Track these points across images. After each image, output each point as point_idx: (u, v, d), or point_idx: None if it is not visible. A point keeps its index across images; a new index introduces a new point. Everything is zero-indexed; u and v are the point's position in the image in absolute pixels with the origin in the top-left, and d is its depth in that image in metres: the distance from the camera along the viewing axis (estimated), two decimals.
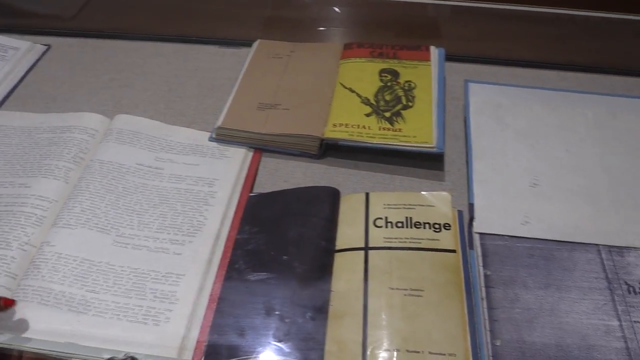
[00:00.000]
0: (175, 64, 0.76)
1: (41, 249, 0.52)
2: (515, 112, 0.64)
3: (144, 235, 0.54)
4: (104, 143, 0.63)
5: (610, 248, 0.54)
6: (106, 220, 0.55)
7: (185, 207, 0.57)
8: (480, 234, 0.55)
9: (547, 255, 0.54)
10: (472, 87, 0.66)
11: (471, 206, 0.57)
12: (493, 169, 0.60)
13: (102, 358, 0.43)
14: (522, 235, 0.55)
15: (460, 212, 0.57)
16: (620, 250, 0.54)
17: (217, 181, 0.60)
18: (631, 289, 0.51)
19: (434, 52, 0.70)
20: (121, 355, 0.42)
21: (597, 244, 0.54)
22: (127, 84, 0.73)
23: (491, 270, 0.52)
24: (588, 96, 0.67)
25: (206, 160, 0.62)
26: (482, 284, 0.51)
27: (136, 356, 0.42)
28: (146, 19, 0.85)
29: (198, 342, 0.47)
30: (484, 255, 0.53)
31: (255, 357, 0.44)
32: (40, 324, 0.47)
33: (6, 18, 0.84)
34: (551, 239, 0.55)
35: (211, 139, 0.64)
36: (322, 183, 0.61)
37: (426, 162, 0.62)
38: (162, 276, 0.51)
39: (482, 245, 0.54)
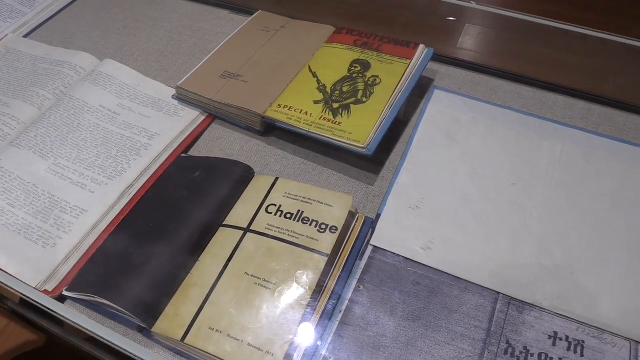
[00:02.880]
0: (184, 22, 0.81)
1: None
2: (471, 130, 0.59)
3: (74, 169, 0.61)
4: (82, 82, 0.70)
5: (511, 300, 0.49)
6: (50, 148, 0.62)
7: (119, 152, 0.62)
8: (375, 247, 0.53)
9: (434, 288, 0.50)
10: (437, 94, 0.62)
11: (377, 217, 0.55)
12: (418, 185, 0.56)
13: None
14: (417, 260, 0.52)
15: (369, 220, 0.55)
16: (522, 305, 0.49)
17: (157, 136, 0.64)
18: (510, 349, 0.46)
19: (421, 51, 0.66)
20: None
21: (498, 292, 0.50)
22: (135, 33, 0.80)
23: (364, 286, 0.50)
24: (566, 129, 0.59)
25: (160, 115, 0.67)
26: (348, 297, 0.50)
27: None
28: None
29: (70, 271, 0.52)
30: (366, 269, 0.52)
31: (99, 299, 0.48)
32: None
33: None
34: (448, 272, 0.51)
35: (173, 97, 0.69)
36: (254, 160, 0.62)
37: (362, 163, 0.61)
38: (70, 207, 0.57)
39: (370, 258, 0.52)
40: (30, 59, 0.75)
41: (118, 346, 0.46)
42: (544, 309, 0.48)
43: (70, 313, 0.49)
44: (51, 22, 0.84)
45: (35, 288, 0.50)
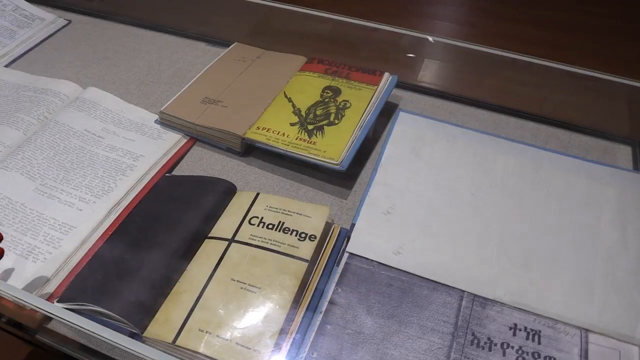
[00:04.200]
0: (163, 53, 0.87)
1: None
2: (434, 146, 0.66)
3: (61, 189, 0.64)
4: (66, 108, 0.74)
5: (475, 297, 0.55)
6: (37, 170, 0.66)
7: (105, 173, 0.66)
8: (351, 253, 0.58)
9: (405, 289, 0.55)
10: (402, 116, 0.69)
11: (352, 226, 0.60)
12: (388, 196, 0.62)
13: None
14: (390, 264, 0.57)
15: (344, 230, 0.61)
16: (485, 301, 0.54)
17: (142, 157, 0.69)
18: (476, 340, 0.52)
19: (386, 78, 0.74)
20: None
21: (463, 290, 0.55)
22: (115, 63, 0.85)
23: (342, 289, 0.55)
24: (517, 145, 0.67)
25: (143, 138, 0.71)
26: (327, 298, 0.55)
27: None
28: (155, 10, 0.98)
29: (61, 283, 0.55)
30: (343, 273, 0.57)
31: (92, 307, 0.52)
32: None
33: None
34: (418, 274, 0.56)
35: (156, 122, 0.73)
36: (235, 178, 0.67)
37: (336, 179, 0.67)
38: (59, 225, 0.61)
39: (346, 264, 0.57)
40: (13, 87, 0.79)
41: (124, 346, 0.49)
42: (504, 303, 0.54)
43: (71, 316, 0.51)
44: (32, 52, 0.88)
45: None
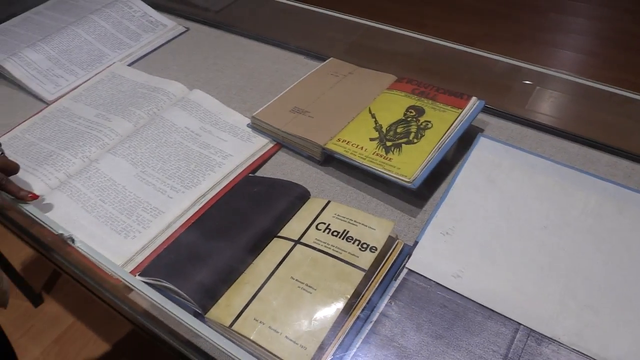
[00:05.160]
0: (264, 63, 0.94)
1: (91, 164, 0.74)
2: (511, 175, 0.66)
3: (157, 177, 0.72)
4: (172, 106, 0.83)
5: (531, 332, 0.54)
6: (140, 158, 0.75)
7: (196, 167, 0.74)
8: (410, 270, 0.60)
9: (459, 312, 0.56)
10: (482, 141, 0.69)
11: (415, 244, 0.62)
12: (455, 218, 0.63)
13: (57, 232, 0.62)
14: (446, 286, 0.58)
15: (407, 246, 0.62)
16: (541, 338, 0.53)
17: (230, 157, 0.75)
18: None
19: (472, 102, 0.74)
20: (67, 234, 0.61)
21: (519, 323, 0.55)
22: (221, 69, 0.94)
23: (396, 303, 0.57)
24: (601, 182, 0.64)
25: (235, 139, 0.78)
26: (380, 310, 0.57)
27: (74, 238, 0.60)
28: (262, 23, 1.06)
29: (144, 260, 0.63)
30: (399, 288, 0.58)
31: (166, 284, 0.58)
32: (61, 210, 0.68)
33: (171, 1, 1.13)
34: (474, 299, 0.57)
35: (248, 125, 0.80)
36: (311, 185, 0.71)
37: (407, 197, 0.68)
38: (151, 208, 0.68)
39: (404, 279, 0.59)
40: (132, 84, 0.90)
41: (187, 323, 0.54)
42: (562, 344, 0.53)
43: (148, 290, 0.58)
44: (151, 55, 0.99)
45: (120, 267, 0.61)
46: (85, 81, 0.93)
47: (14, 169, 0.67)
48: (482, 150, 0.69)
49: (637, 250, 0.59)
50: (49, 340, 1.34)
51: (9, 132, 0.84)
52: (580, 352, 0.52)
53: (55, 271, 1.49)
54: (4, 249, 1.30)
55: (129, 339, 1.33)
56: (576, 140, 0.74)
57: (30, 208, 0.67)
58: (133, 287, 0.59)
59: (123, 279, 0.60)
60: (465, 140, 0.73)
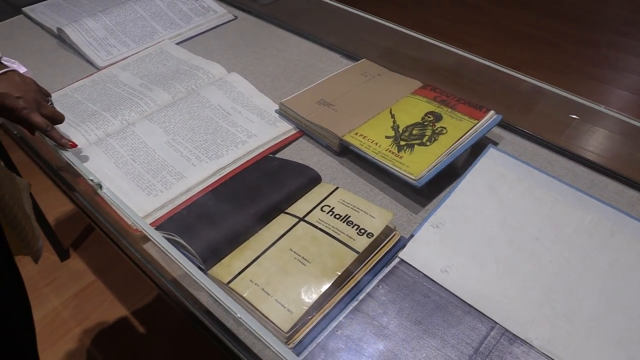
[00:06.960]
0: (301, 57, 1.00)
1: (129, 126, 0.82)
2: (513, 186, 0.69)
3: (185, 145, 0.79)
4: (210, 85, 0.90)
5: (505, 332, 0.57)
6: (173, 127, 0.82)
7: (222, 142, 0.80)
8: (402, 260, 0.64)
9: (441, 304, 0.60)
10: (491, 152, 0.73)
11: (411, 237, 0.66)
12: (453, 219, 0.67)
13: (88, 177, 0.69)
14: (433, 279, 0.62)
15: (404, 239, 0.67)
16: (514, 338, 0.57)
17: (254, 137, 0.81)
18: None
19: (490, 115, 0.78)
20: (96, 180, 0.68)
21: (496, 322, 0.58)
22: (261, 57, 1.00)
23: (383, 286, 0.61)
24: (599, 204, 0.67)
25: (262, 122, 0.84)
26: (367, 291, 0.61)
27: (102, 185, 0.67)
28: (306, 19, 1.12)
29: (161, 216, 0.69)
30: (389, 274, 0.63)
31: (178, 239, 0.64)
32: (95, 162, 0.75)
33: None
34: (457, 295, 0.60)
35: (276, 111, 0.86)
36: (325, 172, 0.76)
37: (413, 195, 0.73)
38: (175, 172, 0.75)
39: (394, 267, 0.63)
40: (176, 60, 0.98)
41: (192, 274, 0.60)
42: (533, 347, 0.56)
43: (163, 242, 0.64)
44: (199, 37, 1.07)
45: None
46: (135, 53, 1.01)
47: (59, 119, 0.74)
48: (490, 160, 0.73)
49: (621, 272, 0.61)
50: (69, 294, 1.44)
51: (61, 89, 0.92)
52: (549, 357, 0.55)
53: (84, 231, 1.59)
54: (42, 204, 1.40)
55: (142, 305, 1.40)
56: (585, 164, 0.77)
57: (68, 155, 0.74)
58: (150, 237, 0.65)
59: (142, 228, 0.66)
60: (478, 150, 0.77)
